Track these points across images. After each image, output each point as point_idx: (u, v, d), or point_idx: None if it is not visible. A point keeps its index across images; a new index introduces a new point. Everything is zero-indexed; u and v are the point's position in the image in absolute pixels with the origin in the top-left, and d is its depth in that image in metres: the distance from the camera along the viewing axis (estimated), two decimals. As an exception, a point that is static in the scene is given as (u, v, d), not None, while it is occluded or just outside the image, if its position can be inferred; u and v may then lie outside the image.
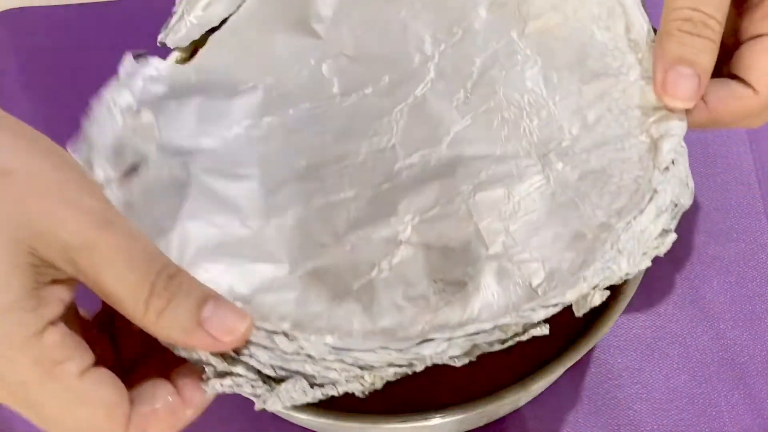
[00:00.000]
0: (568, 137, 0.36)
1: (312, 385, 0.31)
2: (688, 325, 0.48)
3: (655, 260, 0.50)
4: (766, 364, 0.47)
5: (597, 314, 0.39)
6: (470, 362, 0.39)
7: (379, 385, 0.31)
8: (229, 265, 0.34)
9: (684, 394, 0.46)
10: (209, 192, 0.36)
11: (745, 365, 0.46)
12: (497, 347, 0.31)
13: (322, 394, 0.31)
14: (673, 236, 0.33)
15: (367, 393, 0.31)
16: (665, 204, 0.33)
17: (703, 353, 0.47)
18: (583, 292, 0.32)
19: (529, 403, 0.45)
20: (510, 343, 0.31)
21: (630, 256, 0.33)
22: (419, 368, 0.31)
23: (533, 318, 0.32)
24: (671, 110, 0.35)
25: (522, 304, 0.32)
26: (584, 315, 0.39)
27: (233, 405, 0.46)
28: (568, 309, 0.40)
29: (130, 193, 0.35)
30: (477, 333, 0.31)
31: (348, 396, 0.38)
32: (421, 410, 0.38)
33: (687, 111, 0.35)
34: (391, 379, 0.31)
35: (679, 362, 0.47)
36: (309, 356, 0.31)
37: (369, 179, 0.37)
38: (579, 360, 0.37)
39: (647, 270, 0.39)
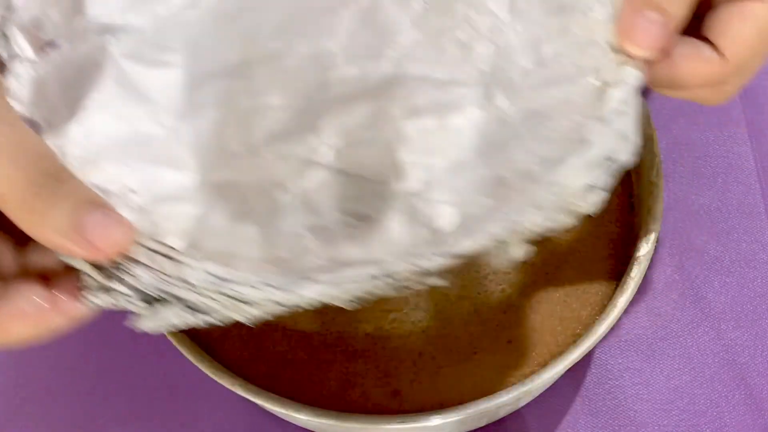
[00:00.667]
0: (519, 71, 0.33)
1: (193, 311, 0.30)
2: (688, 325, 0.48)
3: (656, 260, 0.50)
4: (766, 364, 0.46)
5: (597, 314, 0.39)
6: (470, 362, 0.39)
7: (266, 317, 0.29)
8: (133, 167, 0.31)
9: (685, 394, 0.46)
10: (125, 79, 0.33)
11: (746, 366, 0.46)
12: (391, 293, 0.29)
13: (203, 321, 0.30)
14: (600, 194, 0.30)
15: (254, 323, 0.30)
16: (596, 157, 0.30)
17: (704, 354, 0.47)
18: (483, 244, 0.29)
19: (529, 403, 0.45)
20: (404, 290, 0.29)
21: (546, 210, 0.30)
22: (306, 307, 0.29)
23: (428, 266, 0.29)
24: (631, 57, 0.32)
25: (422, 250, 0.30)
26: (584, 315, 0.39)
27: (233, 405, 0.46)
28: (569, 308, 0.40)
29: (44, 72, 0.32)
30: (369, 277, 0.29)
31: (348, 396, 0.38)
32: (421, 410, 0.38)
33: (649, 63, 0.32)
34: (279, 313, 0.30)
35: (680, 363, 0.47)
36: (190, 283, 0.29)
37: (300, 86, 0.34)
38: (579, 360, 0.37)
39: (648, 270, 0.39)
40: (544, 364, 0.38)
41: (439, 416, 0.36)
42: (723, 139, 0.53)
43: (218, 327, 0.40)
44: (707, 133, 0.53)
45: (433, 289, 0.40)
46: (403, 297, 0.40)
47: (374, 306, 0.40)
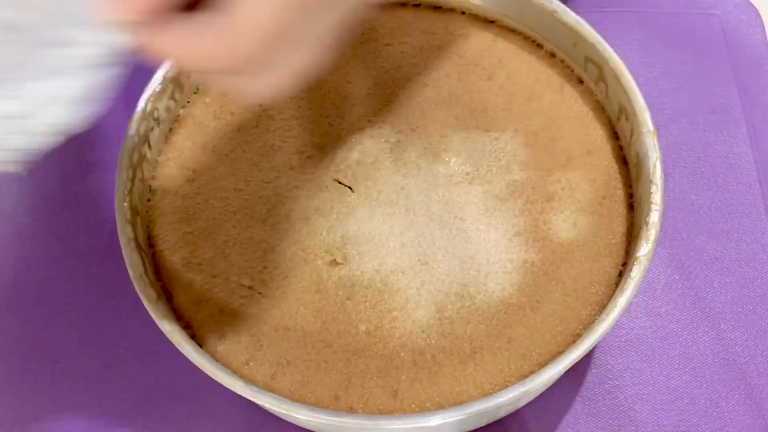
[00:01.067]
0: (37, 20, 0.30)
1: None
2: (688, 325, 0.48)
3: (656, 260, 0.50)
4: (766, 364, 0.46)
5: (597, 314, 0.39)
6: (470, 362, 0.39)
7: None
8: None
9: (685, 394, 0.46)
10: None
11: (745, 366, 0.46)
12: None
13: None
14: (20, 155, 0.30)
15: None
16: (7, 116, 0.29)
17: (704, 354, 0.47)
18: None
19: (529, 403, 0.45)
20: None
21: None
22: None
23: None
24: (111, 19, 0.28)
25: None
26: (584, 315, 0.39)
27: (233, 405, 0.46)
28: (569, 308, 0.40)
29: None
30: None
31: (348, 396, 0.38)
32: (421, 410, 0.38)
33: (144, 34, 0.28)
34: None
35: (680, 363, 0.47)
36: None
37: None
38: (579, 360, 0.37)
39: (648, 270, 0.39)
40: (544, 364, 0.38)
41: (439, 416, 0.36)
42: (723, 139, 0.53)
43: (218, 327, 0.40)
44: (707, 133, 0.53)
45: (433, 289, 0.40)
46: (403, 297, 0.40)
47: (374, 305, 0.40)
